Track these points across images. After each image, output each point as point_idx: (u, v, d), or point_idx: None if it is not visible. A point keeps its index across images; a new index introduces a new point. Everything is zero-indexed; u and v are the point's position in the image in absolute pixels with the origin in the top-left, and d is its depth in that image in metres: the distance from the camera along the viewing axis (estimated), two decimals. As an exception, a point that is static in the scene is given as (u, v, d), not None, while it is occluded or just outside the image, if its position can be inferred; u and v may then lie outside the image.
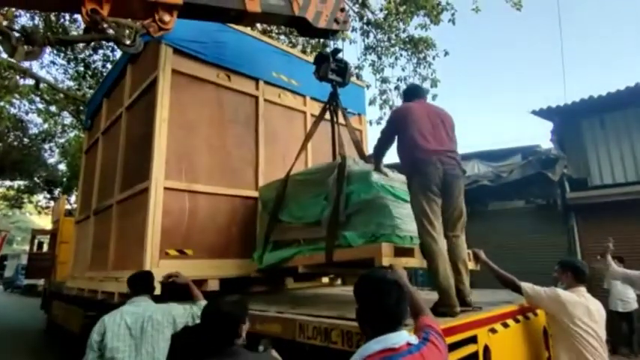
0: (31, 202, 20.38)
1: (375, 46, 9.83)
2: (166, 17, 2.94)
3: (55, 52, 10.93)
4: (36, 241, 11.24)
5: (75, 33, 10.15)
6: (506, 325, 2.54)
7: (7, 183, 19.16)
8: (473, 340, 2.20)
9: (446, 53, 9.55)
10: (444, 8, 8.74)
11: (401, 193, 3.13)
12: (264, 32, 8.77)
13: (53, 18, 9.48)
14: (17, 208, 22.83)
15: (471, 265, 2.83)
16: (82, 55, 10.99)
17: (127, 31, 8.43)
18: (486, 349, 2.25)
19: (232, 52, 4.22)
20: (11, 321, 11.87)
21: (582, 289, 2.66)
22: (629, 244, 6.81)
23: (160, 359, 2.32)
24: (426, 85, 9.58)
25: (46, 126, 16.04)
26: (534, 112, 8.36)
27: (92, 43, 10.03)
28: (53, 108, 14.00)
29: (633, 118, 7.50)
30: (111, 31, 3.01)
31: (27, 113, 14.71)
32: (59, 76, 12.70)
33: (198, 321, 2.53)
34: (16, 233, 34.27)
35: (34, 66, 10.60)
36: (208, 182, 3.84)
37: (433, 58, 9.61)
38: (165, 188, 3.52)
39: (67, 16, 9.78)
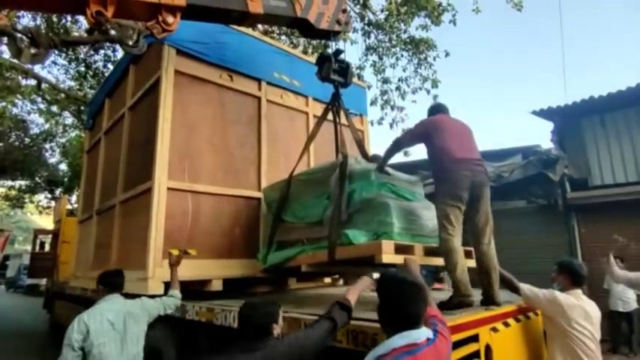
0: (32, 201, 20.40)
1: (376, 46, 9.83)
2: (170, 19, 2.96)
3: (56, 52, 10.95)
4: (38, 241, 11.27)
5: (76, 34, 10.17)
6: (507, 325, 2.57)
7: (9, 183, 19.18)
8: (474, 338, 2.22)
9: (447, 54, 9.56)
10: (444, 9, 8.75)
11: (403, 192, 3.16)
12: (265, 33, 8.79)
13: (55, 19, 9.49)
14: (19, 208, 22.88)
15: (471, 263, 2.87)
16: (83, 55, 11.02)
17: (130, 32, 8.49)
18: (488, 347, 2.27)
19: (234, 52, 4.24)
20: (14, 320, 11.90)
21: (579, 292, 2.65)
22: (630, 243, 6.84)
23: (140, 347, 2.57)
24: (427, 85, 9.62)
25: (47, 126, 16.09)
26: (535, 113, 8.37)
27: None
28: (54, 108, 14.04)
29: (634, 117, 7.50)
30: (114, 32, 3.03)
31: (29, 113, 14.78)
32: (60, 76, 12.76)
33: (169, 311, 2.85)
34: (17, 233, 34.33)
35: (36, 66, 10.61)
36: (211, 182, 3.86)
37: (434, 59, 9.63)
38: (169, 188, 3.54)
39: (69, 17, 9.81)
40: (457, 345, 2.06)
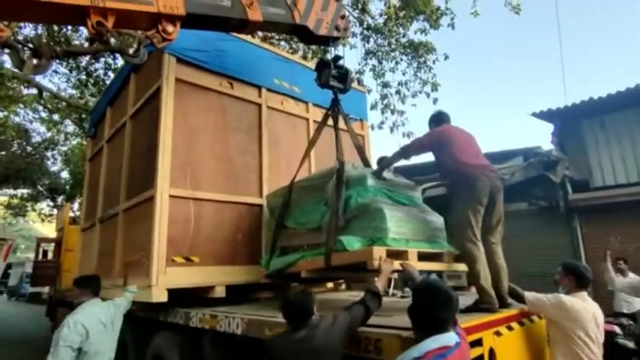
0: (34, 210, 20.44)
1: (375, 50, 9.88)
2: (170, 28, 2.98)
3: (57, 61, 11.02)
4: (40, 250, 11.27)
5: (77, 42, 10.25)
6: (510, 328, 2.55)
7: (11, 191, 19.23)
8: (478, 342, 2.22)
9: (446, 57, 9.58)
10: (443, 13, 8.79)
11: (400, 197, 3.16)
12: (264, 39, 8.84)
13: (56, 28, 9.56)
14: (21, 217, 22.89)
15: (461, 267, 2.94)
16: (84, 64, 11.08)
17: (131, 40, 8.54)
18: (491, 351, 2.26)
19: (234, 60, 4.27)
20: (17, 328, 11.90)
21: (584, 294, 2.65)
22: (633, 244, 6.81)
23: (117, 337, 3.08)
24: (427, 89, 9.65)
25: (49, 134, 16.12)
26: (535, 115, 8.38)
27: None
28: (56, 116, 14.08)
29: (634, 118, 7.51)
30: (113, 41, 3.05)
31: (31, 122, 14.82)
32: (62, 84, 12.79)
33: (130, 301, 3.29)
34: (20, 241, 34.29)
35: (38, 75, 10.68)
36: (213, 189, 3.87)
37: (433, 62, 9.68)
38: (171, 196, 3.56)
39: (70, 26, 9.87)
40: (460, 350, 2.06)
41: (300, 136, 4.77)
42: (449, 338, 1.60)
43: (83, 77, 11.28)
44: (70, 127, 15.18)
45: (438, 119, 3.28)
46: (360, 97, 5.80)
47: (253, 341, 2.76)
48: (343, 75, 3.69)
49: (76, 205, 15.28)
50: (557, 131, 8.44)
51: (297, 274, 3.31)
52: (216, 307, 3.43)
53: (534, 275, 6.77)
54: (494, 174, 2.90)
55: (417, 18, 8.98)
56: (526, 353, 2.67)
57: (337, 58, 3.74)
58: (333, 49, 3.90)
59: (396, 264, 2.58)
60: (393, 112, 10.06)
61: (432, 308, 1.66)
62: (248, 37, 4.69)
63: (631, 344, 4.74)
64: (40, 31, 9.72)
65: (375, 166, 3.63)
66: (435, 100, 9.45)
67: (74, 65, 11.13)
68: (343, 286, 5.03)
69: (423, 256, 2.82)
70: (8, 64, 9.46)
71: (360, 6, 9.53)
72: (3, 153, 15.43)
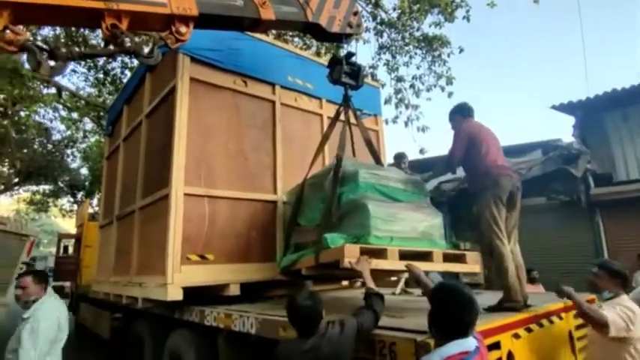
0: (55, 205, 20.98)
1: (389, 45, 9.74)
2: (183, 29, 2.99)
3: (73, 62, 11.22)
4: (62, 245, 11.56)
5: (94, 42, 10.41)
6: (529, 330, 2.49)
7: (34, 188, 19.78)
8: (496, 346, 2.18)
9: (461, 50, 9.38)
10: (458, 5, 8.60)
11: (394, 193, 3.10)
12: (278, 36, 8.81)
13: (73, 28, 9.72)
14: (43, 212, 23.55)
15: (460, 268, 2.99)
16: (101, 63, 11.26)
17: (145, 38, 8.62)
18: (510, 355, 2.22)
19: (248, 58, 4.26)
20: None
21: (625, 296, 2.54)
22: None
23: None
24: (441, 82, 9.48)
25: (68, 132, 16.45)
26: (555, 107, 8.19)
27: (111, 50, 10.24)
28: (75, 115, 14.37)
29: (659, 110, 7.26)
30: (128, 43, 3.08)
31: (51, 121, 15.16)
32: (80, 83, 13.06)
33: None
34: (42, 236, 35.31)
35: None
36: (227, 187, 3.89)
37: (448, 56, 9.47)
38: (186, 194, 3.59)
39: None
40: (478, 353, 2.02)
41: (314, 132, 4.74)
42: (469, 343, 1.60)
43: (101, 76, 11.47)
44: (89, 124, 15.47)
45: (464, 111, 3.27)
46: (374, 93, 5.74)
47: (268, 341, 2.77)
48: (355, 71, 3.66)
49: (95, 201, 15.64)
50: (579, 124, 8.23)
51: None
52: (230, 305, 3.45)
53: (553, 272, 6.61)
54: (516, 174, 2.99)
55: (432, 11, 8.82)
56: (546, 356, 2.61)
57: (350, 54, 3.70)
58: (346, 45, 3.86)
59: (383, 263, 2.56)
60: (407, 107, 9.92)
61: (454, 313, 1.64)
62: (262, 35, 4.68)
63: None
64: (58, 32, 9.91)
65: (387, 162, 3.60)
66: (450, 94, 9.29)
67: (92, 64, 11.33)
68: (358, 283, 5.00)
69: (412, 255, 2.74)
70: (27, 65, 9.68)
71: (373, 1, 9.40)
72: (25, 151, 15.84)
